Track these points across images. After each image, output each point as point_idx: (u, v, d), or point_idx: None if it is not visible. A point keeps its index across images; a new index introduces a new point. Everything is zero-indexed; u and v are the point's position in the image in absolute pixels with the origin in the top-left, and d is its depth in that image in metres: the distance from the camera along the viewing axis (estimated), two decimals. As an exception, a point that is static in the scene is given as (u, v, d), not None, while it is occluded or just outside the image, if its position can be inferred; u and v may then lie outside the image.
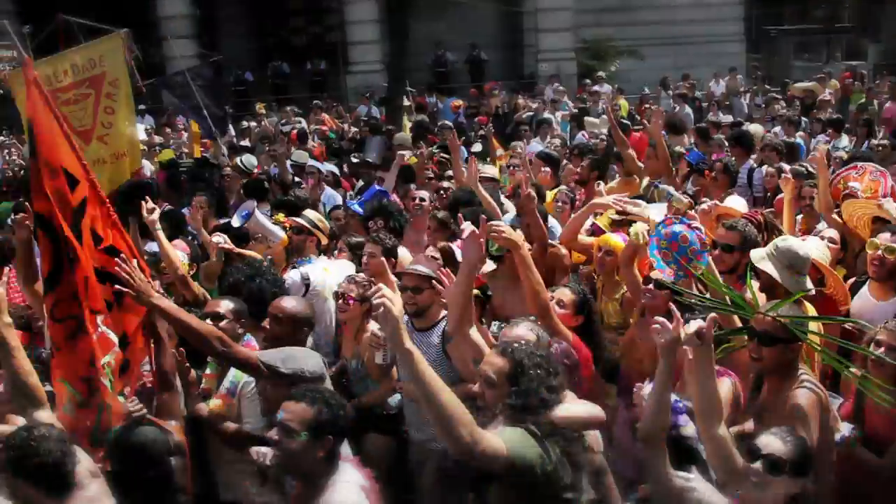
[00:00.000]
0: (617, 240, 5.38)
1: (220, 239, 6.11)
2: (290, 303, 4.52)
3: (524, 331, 3.81)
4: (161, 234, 5.65)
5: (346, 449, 3.32)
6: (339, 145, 13.08)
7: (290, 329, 4.38)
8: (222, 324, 4.37)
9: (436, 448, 4.32)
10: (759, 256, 4.48)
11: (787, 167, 7.77)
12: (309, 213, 6.57)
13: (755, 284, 4.14)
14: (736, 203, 6.45)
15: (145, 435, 3.53)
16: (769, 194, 8.17)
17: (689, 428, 3.44)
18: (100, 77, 7.94)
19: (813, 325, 3.96)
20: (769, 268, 4.38)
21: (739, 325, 3.93)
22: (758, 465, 3.04)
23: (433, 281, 4.42)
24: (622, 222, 5.75)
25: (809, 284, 4.48)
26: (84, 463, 3.16)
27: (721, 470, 3.27)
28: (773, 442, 3.06)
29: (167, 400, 3.92)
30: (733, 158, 8.67)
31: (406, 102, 15.86)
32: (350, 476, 3.12)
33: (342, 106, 19.02)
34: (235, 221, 6.76)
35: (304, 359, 3.83)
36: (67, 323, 3.68)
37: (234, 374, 4.35)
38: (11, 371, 3.34)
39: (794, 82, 19.11)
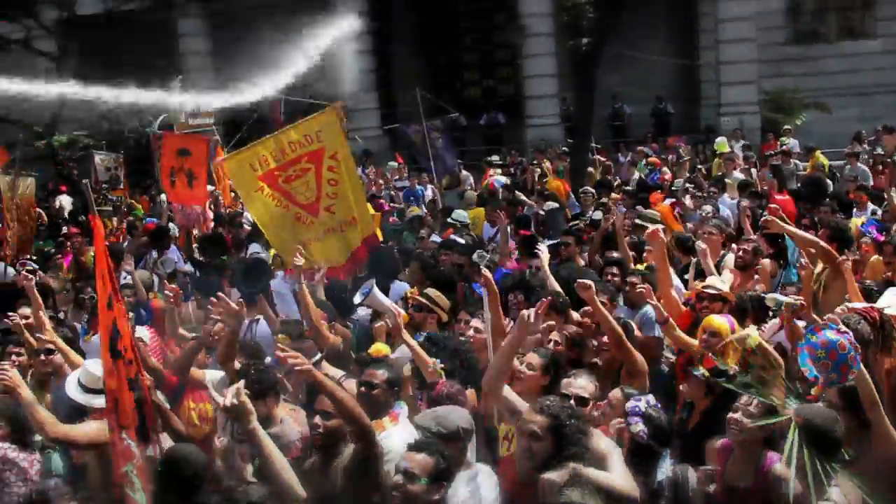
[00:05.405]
0: (722, 321, 5.38)
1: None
2: None
3: (585, 381, 4.52)
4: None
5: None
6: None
7: None
8: (374, 392, 4.51)
9: None
10: None
11: None
12: (430, 290, 6.42)
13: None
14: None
15: None
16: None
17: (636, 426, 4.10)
18: (319, 152, 8.05)
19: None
20: None
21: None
22: None
23: None
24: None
25: None
26: None
27: None
28: None
29: None
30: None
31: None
32: None
33: (524, 159, 19.14)
34: (356, 298, 6.32)
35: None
36: None
37: None
38: None
39: None
